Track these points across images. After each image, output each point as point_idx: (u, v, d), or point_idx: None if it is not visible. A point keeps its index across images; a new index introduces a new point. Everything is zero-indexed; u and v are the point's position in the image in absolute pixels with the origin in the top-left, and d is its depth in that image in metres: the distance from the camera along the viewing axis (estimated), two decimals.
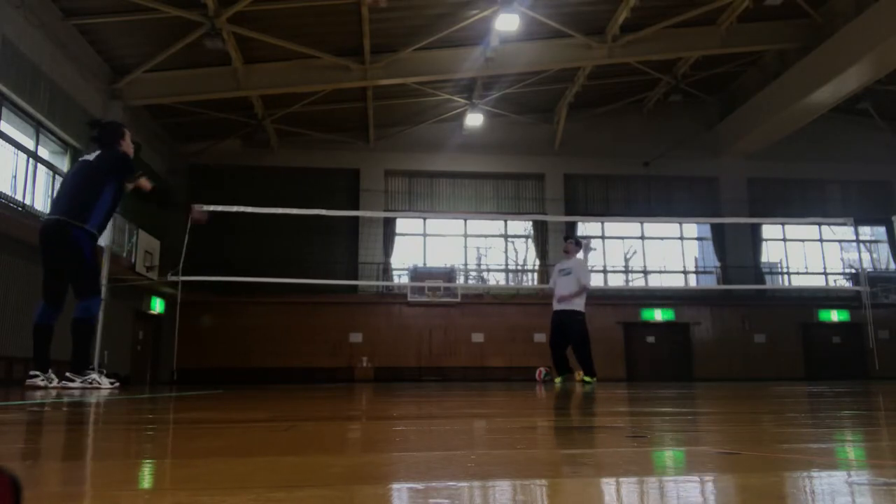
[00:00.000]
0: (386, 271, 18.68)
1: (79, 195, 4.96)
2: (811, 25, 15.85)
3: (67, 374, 5.27)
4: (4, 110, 11.13)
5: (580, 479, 1.05)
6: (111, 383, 5.59)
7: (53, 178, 12.50)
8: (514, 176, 19.70)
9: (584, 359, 8.66)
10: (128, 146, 5.38)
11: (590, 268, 20.06)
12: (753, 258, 19.74)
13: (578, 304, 8.69)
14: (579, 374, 8.75)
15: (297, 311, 17.46)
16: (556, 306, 8.84)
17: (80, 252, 4.98)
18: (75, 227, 4.94)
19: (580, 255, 9.37)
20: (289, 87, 15.36)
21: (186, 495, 0.87)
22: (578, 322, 8.66)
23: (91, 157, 5.21)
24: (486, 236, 20.29)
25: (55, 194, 5.17)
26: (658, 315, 18.82)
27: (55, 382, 5.13)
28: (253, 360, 17.06)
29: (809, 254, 20.60)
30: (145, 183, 5.35)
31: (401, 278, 18.90)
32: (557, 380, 8.90)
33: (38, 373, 5.22)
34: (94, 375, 5.40)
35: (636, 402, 3.94)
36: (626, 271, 20.70)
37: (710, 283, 19.73)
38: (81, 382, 5.25)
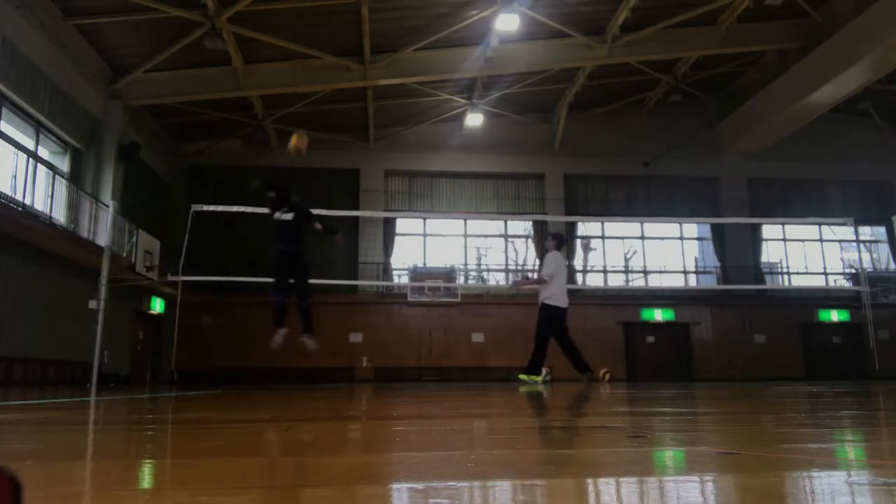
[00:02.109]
0: (386, 271, 18.67)
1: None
2: (811, 25, 15.84)
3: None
4: (4, 110, 11.12)
5: (580, 479, 1.05)
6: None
7: (53, 178, 12.50)
8: (514, 176, 19.69)
9: (533, 354, 8.36)
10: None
11: (591, 267, 20.21)
12: (753, 258, 19.73)
13: (545, 298, 8.33)
14: (601, 372, 8.36)
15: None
16: (564, 303, 8.49)
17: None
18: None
19: (555, 250, 8.77)
20: (289, 87, 15.35)
21: (186, 495, 0.87)
22: (541, 317, 8.34)
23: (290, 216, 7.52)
24: (486, 236, 20.29)
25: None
26: (658, 315, 18.82)
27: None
28: (253, 361, 17.03)
29: (809, 254, 20.59)
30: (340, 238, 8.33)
31: (401, 278, 18.90)
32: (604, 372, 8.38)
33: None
34: None
35: (636, 402, 3.93)
36: (626, 271, 20.69)
37: (710, 283, 19.73)
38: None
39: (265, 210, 8.18)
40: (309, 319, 7.67)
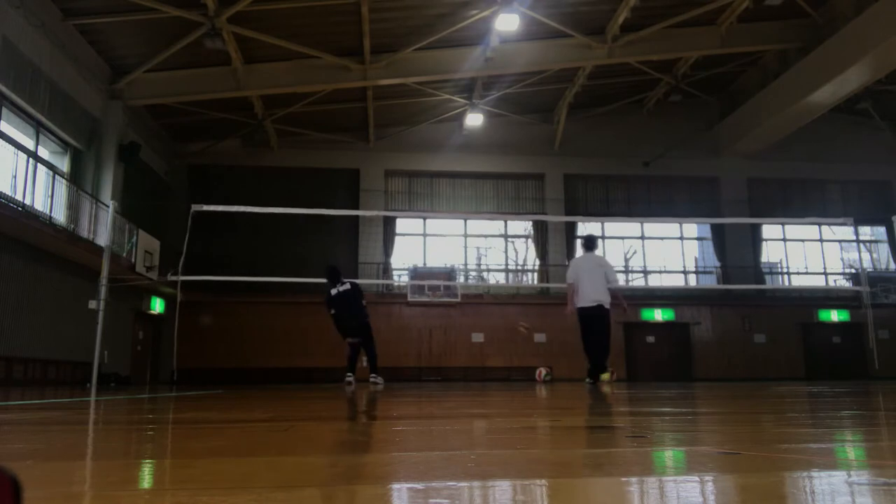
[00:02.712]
0: (386, 271, 18.67)
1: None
2: (811, 25, 15.84)
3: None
4: (4, 110, 11.12)
5: (580, 479, 1.05)
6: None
7: (53, 178, 12.50)
8: (514, 176, 19.69)
9: (605, 352, 8.07)
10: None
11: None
12: (753, 258, 19.73)
13: (607, 300, 8.00)
14: (606, 374, 8.25)
15: (297, 311, 17.44)
16: (584, 303, 8.05)
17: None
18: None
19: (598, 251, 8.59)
20: (289, 87, 15.36)
21: (186, 495, 0.87)
22: (607, 316, 7.97)
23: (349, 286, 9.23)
24: (486, 236, 20.29)
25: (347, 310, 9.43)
26: (658, 315, 18.82)
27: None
28: (253, 360, 17.06)
29: (809, 254, 20.59)
30: None
31: (401, 278, 18.89)
32: (605, 376, 8.21)
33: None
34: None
35: (636, 402, 3.94)
36: (626, 271, 20.69)
37: (710, 283, 19.73)
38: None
39: (265, 210, 8.19)
40: (374, 362, 10.10)
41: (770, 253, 20.40)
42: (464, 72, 15.82)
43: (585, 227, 20.36)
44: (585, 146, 19.50)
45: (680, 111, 19.65)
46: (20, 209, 10.70)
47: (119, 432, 2.00)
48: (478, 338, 17.96)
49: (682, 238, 20.48)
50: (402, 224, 19.33)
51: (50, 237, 11.07)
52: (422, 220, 19.55)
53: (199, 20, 12.56)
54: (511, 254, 20.77)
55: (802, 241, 20.59)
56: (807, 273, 20.24)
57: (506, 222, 20.03)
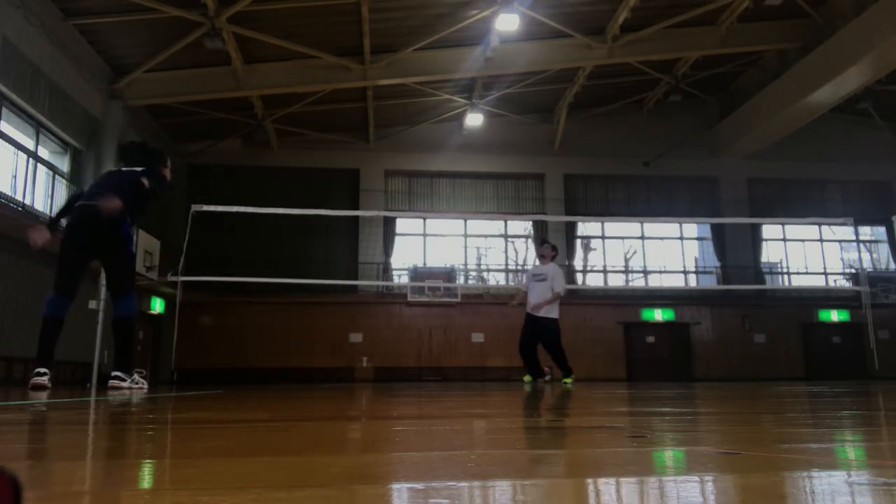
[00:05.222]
0: (386, 271, 18.67)
1: (125, 197, 5.04)
2: (811, 25, 15.84)
3: (116, 373, 5.23)
4: (4, 110, 11.12)
5: (580, 478, 1.05)
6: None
7: (53, 178, 12.50)
8: (514, 176, 19.69)
9: (559, 362, 8.88)
10: (168, 173, 5.62)
11: (590, 267, 20.20)
12: (753, 258, 19.73)
13: (552, 312, 8.80)
14: (566, 379, 8.92)
15: (297, 311, 17.46)
16: (529, 310, 8.99)
17: (128, 244, 5.15)
18: (125, 222, 4.99)
19: (555, 261, 9.42)
20: (289, 87, 15.35)
21: (186, 495, 0.87)
22: (552, 331, 8.79)
23: (138, 169, 5.35)
24: (486, 236, 20.29)
25: (94, 186, 5.21)
26: (658, 315, 18.82)
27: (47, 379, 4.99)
28: (253, 360, 17.06)
29: (809, 254, 20.59)
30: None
31: (401, 278, 18.90)
32: (527, 379, 8.98)
33: (45, 371, 4.99)
34: (137, 376, 5.43)
35: (636, 402, 3.94)
36: (626, 271, 20.69)
37: (710, 283, 19.73)
38: (130, 383, 5.20)
39: (265, 210, 7.85)
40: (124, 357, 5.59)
41: (770, 253, 20.40)
42: (464, 72, 15.82)
43: (585, 227, 20.38)
44: (585, 146, 19.50)
45: (680, 111, 19.65)
46: (20, 209, 10.70)
47: (119, 432, 2.00)
48: (478, 338, 17.96)
49: (682, 238, 20.48)
50: (402, 224, 19.33)
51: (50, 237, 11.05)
52: (422, 220, 19.55)
53: (199, 20, 12.56)
54: (511, 254, 20.78)
55: (802, 241, 20.59)
56: (807, 273, 20.24)
57: (506, 222, 20.03)
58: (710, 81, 18.76)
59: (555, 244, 9.98)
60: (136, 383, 5.37)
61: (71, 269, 5.06)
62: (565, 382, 8.76)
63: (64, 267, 5.06)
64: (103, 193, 4.95)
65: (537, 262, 9.57)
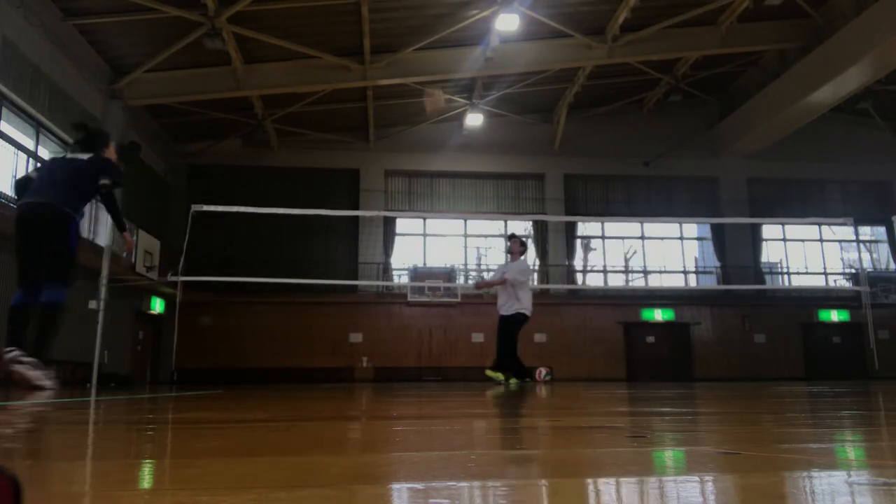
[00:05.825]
0: (386, 271, 18.67)
1: (73, 189, 4.96)
2: (811, 25, 15.85)
3: (30, 358, 4.58)
4: (4, 110, 11.12)
5: (580, 478, 1.05)
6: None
7: None
8: (514, 176, 19.70)
9: (499, 352, 8.77)
10: (111, 154, 5.40)
11: (591, 267, 20.21)
12: (753, 258, 19.73)
13: (509, 309, 8.70)
14: (498, 374, 8.84)
15: (297, 311, 17.46)
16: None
17: (69, 239, 4.96)
18: (71, 217, 4.94)
19: (524, 257, 9.25)
20: (289, 87, 15.36)
21: (186, 495, 0.87)
22: (508, 326, 8.71)
23: (84, 157, 5.16)
24: (486, 236, 20.30)
25: (38, 182, 5.06)
26: (658, 315, 18.82)
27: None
28: (253, 360, 17.06)
29: (809, 254, 20.59)
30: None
31: (401, 278, 18.90)
32: (513, 381, 8.83)
33: (15, 349, 4.58)
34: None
35: (636, 402, 3.94)
36: (626, 271, 20.70)
37: (710, 283, 19.73)
38: (41, 375, 4.56)
39: (265, 210, 7.72)
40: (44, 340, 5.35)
41: (770, 253, 20.40)
42: (464, 72, 15.82)
43: (585, 227, 20.39)
44: (585, 146, 19.51)
45: (680, 111, 19.66)
46: None
47: (119, 432, 2.00)
48: (478, 338, 17.95)
49: (682, 238, 20.49)
50: (402, 224, 19.33)
51: None
52: (422, 220, 19.56)
53: (199, 20, 12.56)
54: None
55: (802, 241, 20.60)
56: (807, 273, 20.25)
57: (506, 222, 20.03)
58: (710, 81, 18.77)
59: (523, 239, 9.79)
60: (45, 379, 4.61)
61: (29, 268, 4.98)
62: (493, 375, 8.74)
63: (23, 269, 4.99)
64: (56, 188, 4.87)
65: (509, 259, 9.40)
